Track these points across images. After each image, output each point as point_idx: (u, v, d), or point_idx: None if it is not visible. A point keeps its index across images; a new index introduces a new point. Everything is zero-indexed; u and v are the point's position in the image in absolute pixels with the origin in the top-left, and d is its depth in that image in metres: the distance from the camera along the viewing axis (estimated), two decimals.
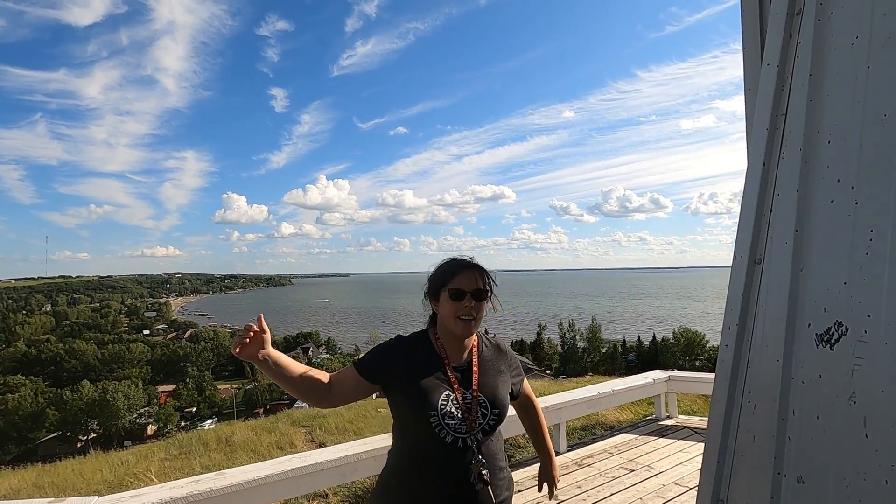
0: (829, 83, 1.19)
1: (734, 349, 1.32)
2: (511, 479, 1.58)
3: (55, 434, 43.51)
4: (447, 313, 1.47)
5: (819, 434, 1.04)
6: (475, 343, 1.57)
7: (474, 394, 1.46)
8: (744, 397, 1.29)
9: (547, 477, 1.81)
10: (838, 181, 1.11)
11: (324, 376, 1.46)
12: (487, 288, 1.52)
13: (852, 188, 1.08)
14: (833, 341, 1.04)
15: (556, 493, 1.81)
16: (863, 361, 0.99)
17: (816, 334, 1.09)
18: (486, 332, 1.70)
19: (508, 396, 1.57)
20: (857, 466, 0.95)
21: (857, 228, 1.05)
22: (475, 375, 1.50)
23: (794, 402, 1.12)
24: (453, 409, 1.40)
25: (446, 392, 1.42)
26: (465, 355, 1.52)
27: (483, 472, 1.39)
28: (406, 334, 1.58)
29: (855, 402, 0.98)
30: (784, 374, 1.14)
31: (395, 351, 1.48)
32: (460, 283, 1.47)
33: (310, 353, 70.78)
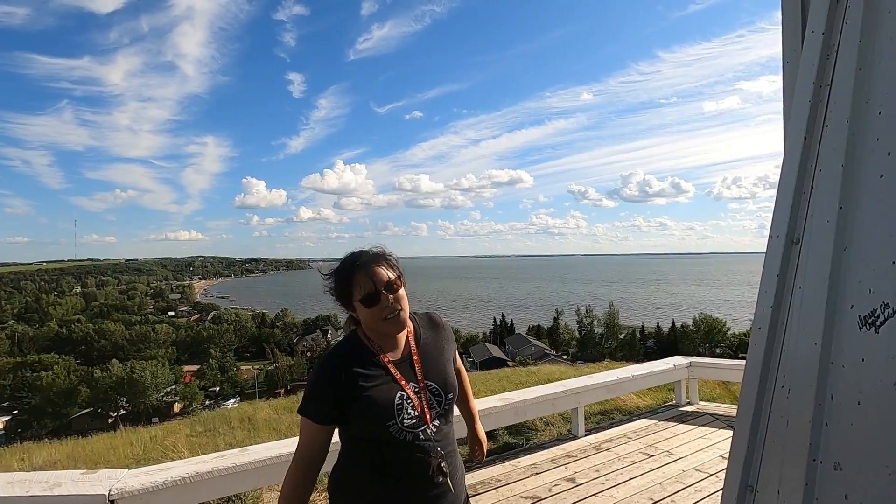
0: (882, 49, 1.10)
1: (768, 332, 1.27)
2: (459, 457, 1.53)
3: (87, 410, 45.42)
4: (370, 320, 1.34)
5: (860, 420, 1.00)
6: (410, 329, 1.45)
7: (421, 385, 1.38)
8: (777, 382, 1.24)
9: (475, 438, 1.75)
10: (889, 154, 1.04)
11: (307, 473, 1.34)
12: (398, 273, 1.38)
13: None
14: (878, 324, 0.99)
15: (484, 452, 1.78)
16: None
17: (860, 316, 1.03)
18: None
19: (455, 373, 1.51)
20: None
21: None
22: (417, 366, 1.40)
23: (832, 387, 1.07)
24: (409, 410, 1.33)
25: (399, 394, 1.33)
26: (403, 346, 1.42)
27: (442, 465, 1.34)
28: (329, 349, 1.44)
29: None
30: (823, 357, 1.09)
31: (333, 376, 1.32)
32: (366, 285, 1.33)
33: (328, 335, 72.00)
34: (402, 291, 1.38)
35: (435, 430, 1.37)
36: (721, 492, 1.32)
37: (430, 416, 1.36)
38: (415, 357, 1.41)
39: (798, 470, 1.10)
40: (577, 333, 66.58)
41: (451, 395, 1.42)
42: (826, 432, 1.07)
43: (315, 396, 1.32)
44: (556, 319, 69.70)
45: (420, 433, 1.33)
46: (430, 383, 1.39)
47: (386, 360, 1.37)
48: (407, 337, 1.43)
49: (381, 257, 1.39)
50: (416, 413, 1.34)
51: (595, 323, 65.62)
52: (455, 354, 1.61)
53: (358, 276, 1.34)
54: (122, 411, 45.07)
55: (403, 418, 1.32)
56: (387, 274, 1.35)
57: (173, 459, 3.28)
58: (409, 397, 1.34)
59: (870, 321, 1.01)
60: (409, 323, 1.46)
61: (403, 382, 1.36)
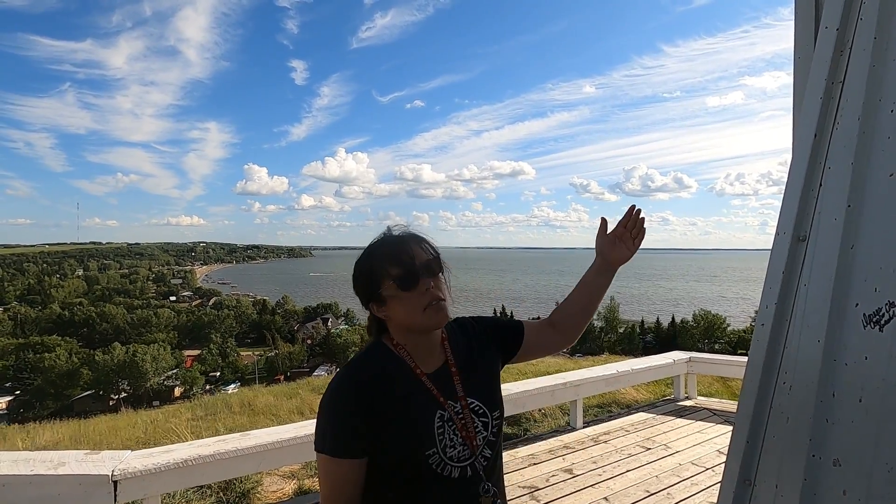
0: None
1: (771, 328, 1.28)
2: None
3: (89, 392, 45.94)
4: (409, 310, 1.05)
5: (861, 417, 1.00)
6: (442, 336, 1.16)
7: (463, 402, 1.10)
8: (779, 378, 1.24)
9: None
10: None
11: None
12: (436, 254, 1.11)
13: None
14: (883, 322, 0.99)
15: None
16: None
17: (864, 315, 1.04)
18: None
19: (500, 385, 1.22)
20: None
21: None
22: (456, 379, 1.12)
23: (835, 384, 1.07)
24: (451, 435, 1.06)
25: (438, 413, 1.06)
26: (437, 354, 1.14)
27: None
28: (348, 363, 1.13)
29: None
30: (826, 354, 1.10)
31: (359, 393, 1.02)
32: (403, 264, 1.04)
33: (329, 323, 72.31)
34: (442, 278, 1.10)
35: (485, 462, 1.10)
36: (716, 485, 1.33)
37: (478, 442, 1.09)
38: (452, 368, 1.13)
39: (797, 465, 1.11)
40: None
41: (497, 413, 1.15)
42: (827, 429, 1.08)
43: (339, 424, 1.02)
44: None
45: (469, 467, 1.07)
46: (472, 401, 1.12)
47: (419, 371, 1.09)
48: (442, 343, 1.15)
49: (415, 236, 1.11)
50: (460, 439, 1.07)
51: (595, 316, 65.88)
52: (538, 324, 1.32)
53: (390, 255, 1.06)
54: (124, 394, 45.49)
55: (446, 446, 1.05)
56: (428, 251, 1.09)
57: (175, 442, 3.32)
58: (450, 418, 1.07)
59: (874, 320, 1.01)
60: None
61: (441, 399, 1.08)
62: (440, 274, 1.10)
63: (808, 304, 1.19)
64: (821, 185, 1.24)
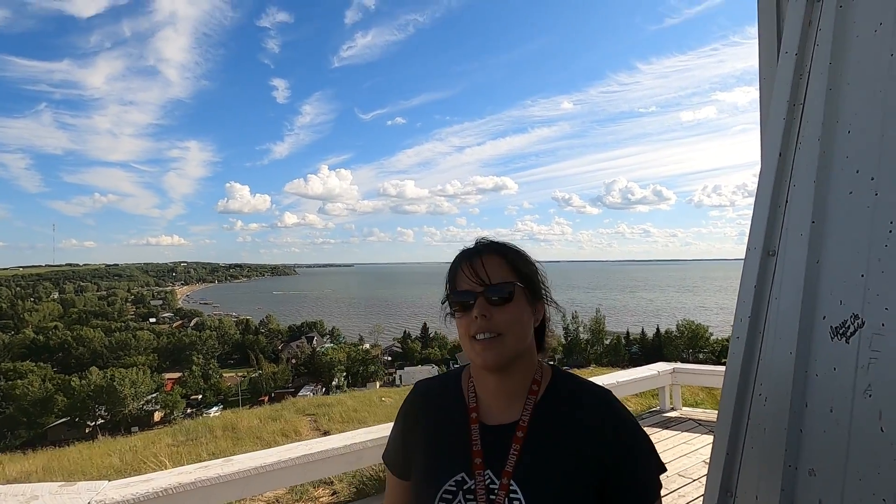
0: (850, 72, 1.16)
1: (746, 341, 1.31)
2: None
3: (64, 420, 44.29)
4: (461, 337, 0.87)
5: (833, 427, 1.04)
6: (538, 388, 0.88)
7: (504, 483, 0.80)
8: (755, 390, 1.28)
9: None
10: (857, 172, 1.10)
11: None
12: (510, 280, 0.85)
13: (872, 179, 1.06)
14: (849, 334, 1.03)
15: None
16: (879, 354, 0.98)
17: (831, 327, 1.08)
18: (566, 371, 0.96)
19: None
20: (872, 460, 0.94)
21: (876, 220, 1.04)
22: (515, 447, 0.82)
23: (807, 395, 1.11)
24: None
25: (458, 475, 0.82)
26: (512, 410, 0.87)
27: None
28: (434, 374, 1.01)
29: (870, 396, 0.97)
30: (797, 366, 1.13)
31: (407, 414, 0.95)
32: (461, 283, 0.86)
33: (314, 342, 71.32)
34: (513, 307, 0.84)
35: None
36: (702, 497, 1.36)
37: None
38: (519, 432, 0.84)
39: (775, 476, 1.14)
40: (562, 339, 67.17)
41: None
42: (801, 439, 1.11)
43: (392, 431, 0.98)
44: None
45: None
46: (514, 488, 0.80)
47: (473, 416, 0.87)
48: (527, 397, 0.87)
49: (495, 247, 0.89)
50: None
51: (581, 329, 66.42)
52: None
53: (460, 267, 0.88)
54: (101, 420, 44.00)
55: None
56: (496, 271, 0.85)
57: (155, 470, 3.23)
58: (472, 490, 0.81)
59: (840, 332, 1.06)
60: (546, 377, 0.90)
61: (478, 462, 0.82)
62: (509, 304, 0.84)
63: (779, 317, 1.24)
64: (787, 201, 1.30)
